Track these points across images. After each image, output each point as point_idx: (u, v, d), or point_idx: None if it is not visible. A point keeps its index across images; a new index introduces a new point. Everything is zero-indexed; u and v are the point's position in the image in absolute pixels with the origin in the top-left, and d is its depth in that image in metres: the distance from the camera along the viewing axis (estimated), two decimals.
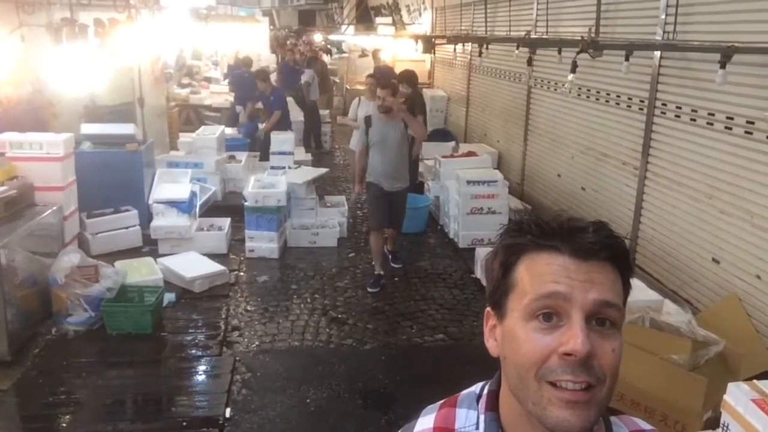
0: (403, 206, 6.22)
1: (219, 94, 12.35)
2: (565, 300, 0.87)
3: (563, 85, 6.81)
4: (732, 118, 4.33)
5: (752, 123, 4.15)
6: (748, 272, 4.20)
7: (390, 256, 6.48)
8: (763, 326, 4.06)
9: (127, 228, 6.56)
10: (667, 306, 4.33)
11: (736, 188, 4.31)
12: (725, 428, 3.02)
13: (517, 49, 7.06)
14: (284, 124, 9.56)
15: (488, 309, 1.00)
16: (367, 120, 5.92)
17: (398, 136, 5.81)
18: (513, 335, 0.91)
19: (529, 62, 6.48)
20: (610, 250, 0.90)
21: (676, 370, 3.53)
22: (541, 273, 0.90)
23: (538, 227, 0.93)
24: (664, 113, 5.16)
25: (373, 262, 6.13)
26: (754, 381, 3.06)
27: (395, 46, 14.45)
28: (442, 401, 1.09)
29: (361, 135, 6.03)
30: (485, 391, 1.03)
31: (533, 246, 0.92)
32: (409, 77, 8.07)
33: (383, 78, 8.04)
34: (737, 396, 2.95)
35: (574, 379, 0.85)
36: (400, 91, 7.45)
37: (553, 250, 0.90)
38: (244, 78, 11.15)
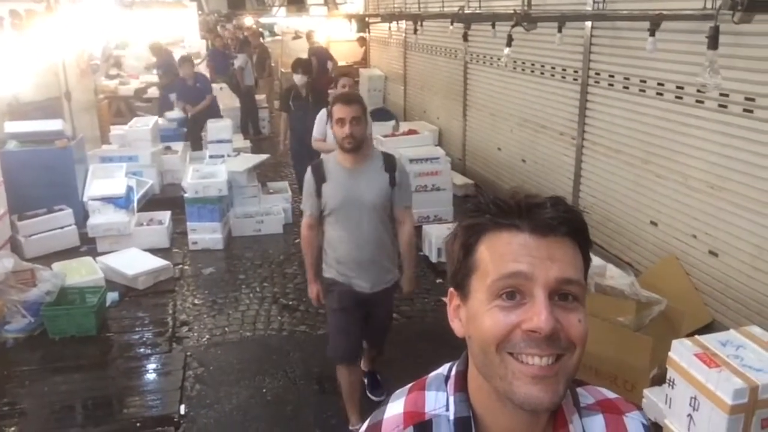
0: (388, 314, 3.75)
1: (151, 84, 11.96)
2: (527, 279, 0.87)
3: (499, 59, 6.88)
4: (663, 84, 4.46)
5: (681, 88, 4.28)
6: (684, 232, 4.36)
7: (366, 380, 3.96)
8: (701, 283, 4.23)
9: (62, 228, 6.31)
10: (610, 270, 4.46)
11: (669, 152, 4.45)
12: (671, 383, 3.14)
13: (452, 24, 7.08)
14: (214, 111, 9.38)
15: (451, 290, 1.00)
16: (318, 170, 3.27)
17: (378, 192, 3.23)
18: (477, 315, 0.91)
19: (465, 38, 6.51)
20: (568, 224, 0.90)
21: (623, 331, 3.64)
22: (502, 252, 0.89)
23: (496, 206, 0.92)
24: (598, 82, 5.27)
25: (346, 408, 3.62)
26: (696, 336, 3.19)
27: (329, 27, 14.31)
28: (410, 385, 1.08)
29: (308, 197, 3.34)
30: (453, 372, 1.03)
31: (493, 225, 0.91)
32: (303, 63, 6.96)
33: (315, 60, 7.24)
34: (681, 352, 3.07)
35: (540, 352, 0.86)
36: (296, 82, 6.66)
37: (513, 229, 0.90)
38: (172, 65, 10.88)
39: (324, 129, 5.51)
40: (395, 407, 1.04)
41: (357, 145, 3.15)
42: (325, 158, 3.36)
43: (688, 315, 3.96)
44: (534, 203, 0.91)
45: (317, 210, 3.29)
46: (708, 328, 3.96)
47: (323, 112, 5.52)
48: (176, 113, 9.56)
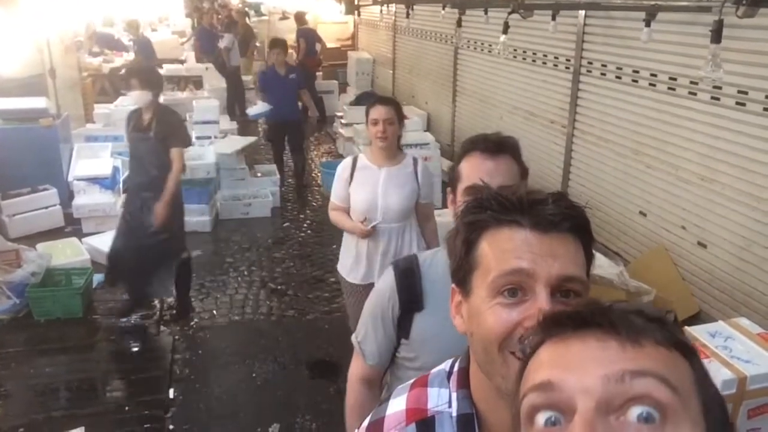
0: None
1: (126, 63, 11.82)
2: (529, 276, 0.86)
3: (490, 45, 6.86)
4: (655, 75, 4.46)
5: (674, 79, 4.29)
6: (673, 223, 4.39)
7: None
8: (688, 274, 4.26)
9: (46, 208, 6.22)
10: (598, 259, 4.48)
11: (660, 143, 4.46)
12: None
13: (443, 9, 7.04)
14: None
15: (453, 286, 0.99)
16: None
17: None
18: (479, 311, 0.90)
19: (459, 23, 6.47)
20: (570, 220, 0.90)
21: None
22: (504, 249, 0.89)
23: (497, 202, 0.92)
24: (590, 71, 5.26)
25: None
26: (686, 328, 3.23)
27: (317, 7, 14.18)
28: (412, 381, 1.07)
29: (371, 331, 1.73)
30: (455, 369, 1.02)
31: (494, 222, 0.91)
32: (142, 72, 4.55)
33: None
34: None
35: None
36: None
37: (515, 225, 0.89)
38: (149, 44, 10.86)
39: (345, 189, 3.25)
40: (397, 404, 1.04)
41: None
42: (426, 258, 1.71)
43: (675, 305, 4.01)
44: (535, 199, 0.90)
45: (386, 358, 1.75)
46: (695, 319, 4.01)
47: (347, 161, 3.32)
48: (260, 108, 7.61)
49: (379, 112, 3.14)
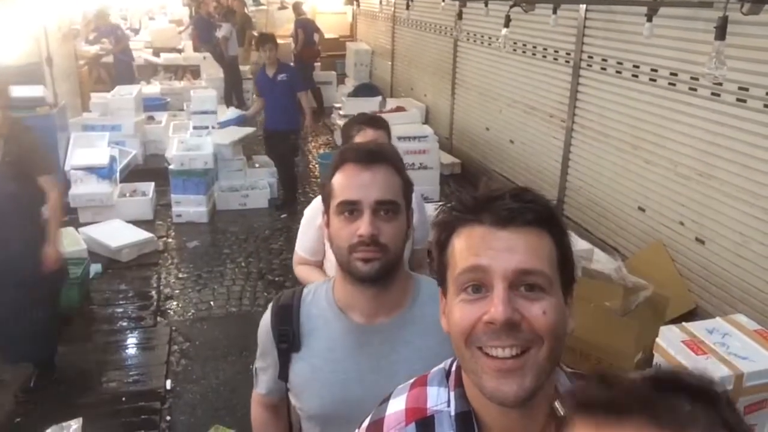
0: None
1: (134, 51, 11.71)
2: (486, 272, 0.88)
3: (490, 38, 6.84)
4: (656, 70, 4.45)
5: (675, 75, 4.28)
6: (671, 219, 4.39)
7: None
8: (686, 270, 4.27)
9: None
10: (597, 254, 4.49)
11: (660, 138, 4.46)
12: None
13: (444, 1, 7.01)
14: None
15: (440, 288, 1.01)
16: (285, 317, 1.49)
17: None
18: (450, 309, 0.94)
19: (459, 15, 6.44)
20: (530, 214, 0.90)
21: (610, 316, 3.68)
22: (467, 246, 0.92)
23: (460, 203, 0.95)
24: (590, 66, 5.25)
25: None
26: (684, 324, 3.24)
27: None
28: (412, 380, 1.08)
29: (260, 364, 1.60)
30: (454, 368, 1.03)
31: (460, 221, 0.94)
32: None
33: None
34: (669, 339, 3.11)
35: (501, 344, 0.86)
36: None
37: (476, 223, 0.92)
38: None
39: (318, 240, 2.54)
40: (397, 404, 1.05)
41: (385, 268, 1.38)
42: (309, 291, 1.53)
43: (672, 300, 4.01)
44: (493, 196, 0.93)
45: (278, 390, 1.58)
46: (691, 315, 4.02)
47: (317, 202, 2.50)
48: (229, 114, 7.65)
49: (366, 136, 2.49)
